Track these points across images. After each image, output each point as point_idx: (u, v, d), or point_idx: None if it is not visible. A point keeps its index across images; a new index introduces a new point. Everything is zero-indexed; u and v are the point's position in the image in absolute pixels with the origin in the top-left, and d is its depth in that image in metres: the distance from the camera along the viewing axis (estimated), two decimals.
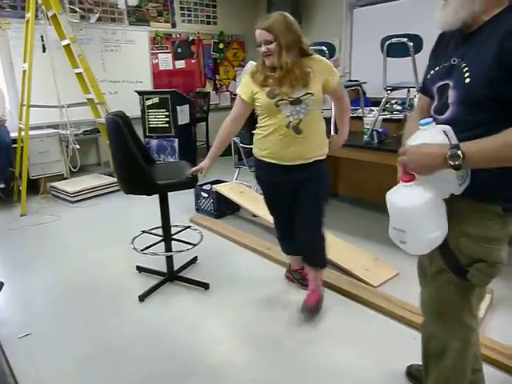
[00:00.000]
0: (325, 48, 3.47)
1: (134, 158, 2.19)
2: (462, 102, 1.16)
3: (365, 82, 4.04)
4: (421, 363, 1.51)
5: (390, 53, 2.93)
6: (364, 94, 4.51)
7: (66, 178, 4.78)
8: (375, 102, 4.26)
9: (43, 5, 4.12)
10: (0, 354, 0.80)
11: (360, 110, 3.74)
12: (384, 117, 3.38)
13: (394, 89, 3.04)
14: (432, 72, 1.30)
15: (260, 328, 2.16)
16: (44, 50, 4.30)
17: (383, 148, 3.01)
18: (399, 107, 3.71)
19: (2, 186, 4.30)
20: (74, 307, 2.40)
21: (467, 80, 1.13)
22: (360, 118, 3.58)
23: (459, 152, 1.04)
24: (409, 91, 3.28)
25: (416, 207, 1.14)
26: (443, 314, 1.35)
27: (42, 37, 4.27)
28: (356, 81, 4.34)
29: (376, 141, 3.06)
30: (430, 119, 1.15)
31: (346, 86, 4.39)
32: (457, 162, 1.04)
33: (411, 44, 2.72)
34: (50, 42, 4.33)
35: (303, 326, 2.16)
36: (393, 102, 3.75)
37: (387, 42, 2.88)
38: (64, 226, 3.76)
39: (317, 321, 2.20)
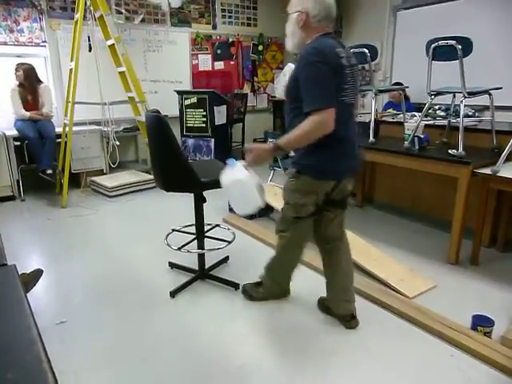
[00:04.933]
0: (366, 50, 3.40)
1: (178, 155, 2.21)
2: (286, 97, 1.91)
3: (407, 87, 3.92)
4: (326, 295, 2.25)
5: (435, 56, 2.83)
6: (407, 98, 4.39)
7: (105, 174, 4.94)
8: (417, 108, 4.14)
9: (91, 6, 4.28)
10: (38, 341, 0.81)
11: (401, 115, 3.63)
12: (426, 122, 3.26)
13: (438, 94, 2.93)
14: None
15: (288, 333, 2.12)
16: (90, 50, 4.45)
17: (424, 155, 2.90)
18: (443, 113, 3.57)
19: (50, 171, 4.45)
20: (107, 299, 2.46)
21: (287, 84, 1.87)
22: (401, 124, 3.47)
23: (277, 144, 1.79)
24: (454, 96, 3.14)
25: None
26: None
27: (88, 37, 4.43)
28: (400, 84, 4.21)
29: (417, 147, 2.96)
30: (234, 160, 1.91)
31: (388, 90, 4.30)
32: (278, 150, 1.81)
33: (459, 47, 2.61)
34: (96, 42, 4.49)
35: (332, 333, 2.11)
36: (436, 107, 3.61)
37: (433, 45, 2.78)
38: (101, 219, 3.88)
39: (347, 328, 2.14)
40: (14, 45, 4.66)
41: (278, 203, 3.52)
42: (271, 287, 2.37)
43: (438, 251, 2.97)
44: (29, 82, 4.39)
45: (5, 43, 4.60)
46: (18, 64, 4.35)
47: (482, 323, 2.01)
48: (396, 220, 3.70)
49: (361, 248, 2.87)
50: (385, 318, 2.24)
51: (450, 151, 2.77)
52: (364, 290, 2.42)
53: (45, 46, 4.86)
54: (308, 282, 2.60)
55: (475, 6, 4.61)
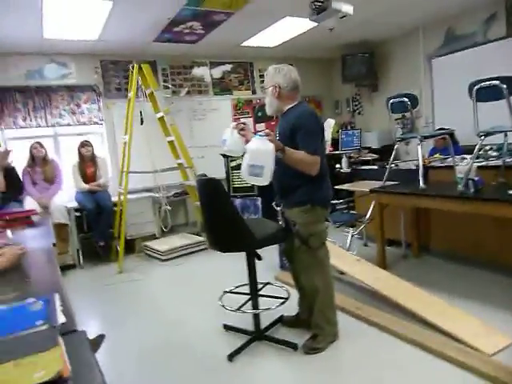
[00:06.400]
0: (406, 99, 3.43)
1: (235, 215, 2.30)
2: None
3: (454, 130, 3.85)
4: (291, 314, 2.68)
5: (480, 97, 2.79)
6: (457, 142, 4.29)
7: (157, 238, 5.09)
8: (465, 150, 4.02)
9: (143, 85, 4.70)
10: None
11: (450, 159, 3.54)
12: (478, 164, 3.14)
13: (488, 134, 2.84)
14: None
15: None
16: (142, 123, 4.82)
17: (482, 197, 2.77)
18: (495, 153, 3.44)
19: (102, 243, 4.69)
20: (162, 368, 2.41)
21: (277, 137, 2.32)
22: (450, 167, 3.38)
23: (284, 148, 2.18)
24: (506, 135, 3.04)
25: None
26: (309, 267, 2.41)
27: (140, 112, 4.82)
28: (445, 129, 4.14)
29: (472, 190, 2.83)
30: (264, 134, 2.14)
31: (433, 136, 4.24)
32: (281, 152, 2.17)
33: (504, 86, 2.57)
34: (147, 115, 4.87)
35: None
36: (487, 148, 3.50)
37: (476, 87, 2.76)
38: (155, 283, 3.94)
39: None
40: (76, 125, 5.15)
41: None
42: (329, 330, 2.44)
43: (509, 301, 2.72)
44: (92, 157, 4.80)
45: (68, 124, 5.10)
46: (85, 141, 4.79)
47: None
48: (457, 268, 3.46)
49: (424, 300, 2.69)
50: (462, 379, 2.03)
51: (510, 191, 2.63)
52: (437, 349, 2.22)
53: (102, 124, 5.34)
54: (364, 334, 2.45)
55: (503, 49, 4.60)
